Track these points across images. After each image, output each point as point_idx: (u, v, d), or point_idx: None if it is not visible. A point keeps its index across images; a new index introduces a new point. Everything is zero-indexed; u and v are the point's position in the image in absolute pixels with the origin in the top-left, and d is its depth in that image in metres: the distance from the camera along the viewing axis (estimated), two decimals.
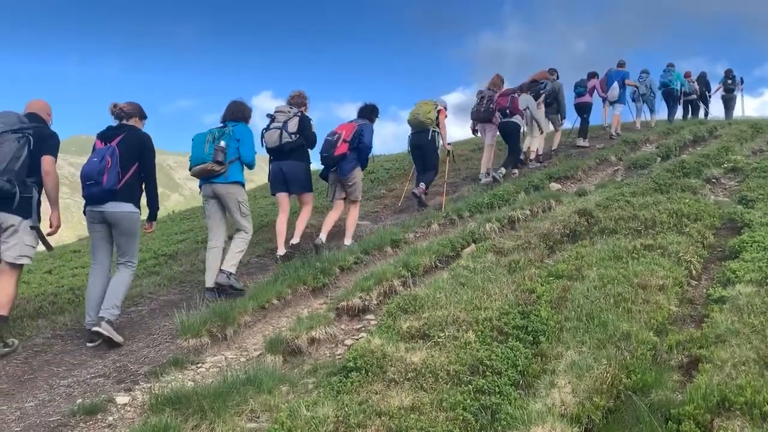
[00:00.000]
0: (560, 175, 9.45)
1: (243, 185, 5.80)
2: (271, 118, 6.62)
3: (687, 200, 6.55)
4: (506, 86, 10.19)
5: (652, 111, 14.67)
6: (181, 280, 6.44)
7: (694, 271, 4.98)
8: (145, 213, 5.03)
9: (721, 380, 2.99)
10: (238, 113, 5.89)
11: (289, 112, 6.58)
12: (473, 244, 6.18)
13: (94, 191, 4.62)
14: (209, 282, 5.56)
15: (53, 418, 3.41)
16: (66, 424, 3.33)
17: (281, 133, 6.41)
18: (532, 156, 10.89)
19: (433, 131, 8.49)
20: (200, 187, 5.80)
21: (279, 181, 6.68)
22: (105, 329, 4.50)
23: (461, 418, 2.89)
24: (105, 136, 4.84)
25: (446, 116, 8.97)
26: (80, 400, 3.58)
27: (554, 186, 8.86)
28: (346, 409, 2.98)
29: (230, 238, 5.88)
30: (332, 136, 6.83)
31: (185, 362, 4.13)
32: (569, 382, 3.17)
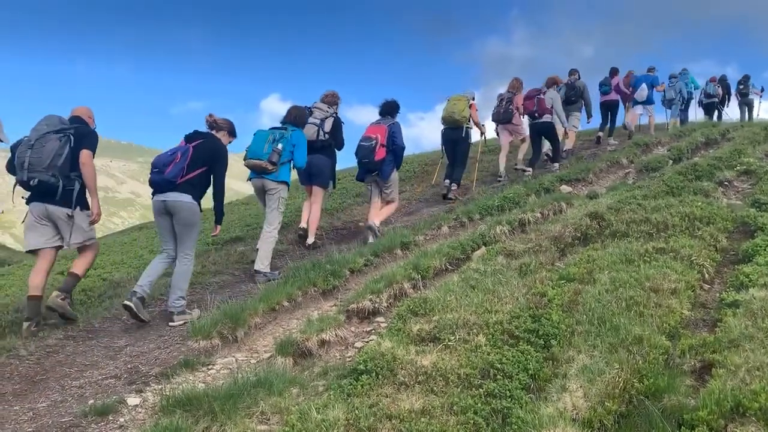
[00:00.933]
0: (571, 177, 9.40)
1: (288, 185, 6.32)
2: (309, 112, 7.05)
3: (699, 203, 6.48)
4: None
5: (673, 114, 14.63)
6: (191, 281, 6.44)
7: (706, 275, 4.93)
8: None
9: (734, 385, 2.95)
10: (298, 119, 6.54)
11: (327, 111, 7.11)
12: (483, 247, 6.17)
13: (156, 179, 5.06)
14: (258, 265, 6.10)
15: (65, 418, 3.44)
16: (78, 425, 3.35)
17: (318, 131, 6.94)
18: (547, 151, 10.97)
19: (467, 128, 8.99)
20: (250, 178, 6.36)
21: (309, 173, 7.16)
22: (177, 320, 5.06)
23: (472, 421, 2.88)
24: (189, 137, 5.32)
25: (476, 109, 9.37)
26: (92, 401, 3.60)
27: (565, 189, 8.82)
28: (357, 412, 2.97)
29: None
30: (368, 141, 6.98)
31: (196, 364, 4.15)
32: (581, 387, 3.15)
